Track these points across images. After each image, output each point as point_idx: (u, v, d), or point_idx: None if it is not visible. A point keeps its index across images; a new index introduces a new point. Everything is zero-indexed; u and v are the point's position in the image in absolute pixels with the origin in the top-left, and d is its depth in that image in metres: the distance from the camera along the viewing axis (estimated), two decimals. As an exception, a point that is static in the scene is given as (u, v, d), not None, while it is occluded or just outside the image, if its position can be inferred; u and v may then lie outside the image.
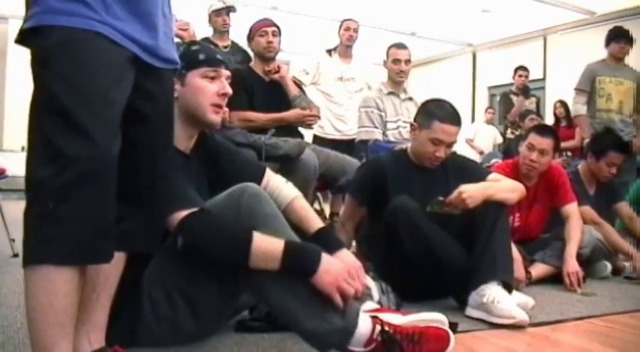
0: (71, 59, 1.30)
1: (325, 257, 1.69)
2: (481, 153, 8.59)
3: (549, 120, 8.13)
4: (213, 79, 1.96)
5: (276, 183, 2.12)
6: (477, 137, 9.35)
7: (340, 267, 1.70)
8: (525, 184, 3.16)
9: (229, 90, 1.98)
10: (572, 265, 3.13)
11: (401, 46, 4.09)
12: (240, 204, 1.74)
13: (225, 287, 1.80)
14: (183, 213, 1.70)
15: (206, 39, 4.65)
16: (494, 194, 2.55)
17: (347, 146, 4.53)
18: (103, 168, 1.30)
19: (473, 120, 10.88)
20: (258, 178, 2.09)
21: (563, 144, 6.62)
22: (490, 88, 10.93)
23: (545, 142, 3.29)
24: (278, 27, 3.59)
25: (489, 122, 9.76)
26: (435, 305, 2.46)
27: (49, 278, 1.27)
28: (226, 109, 2.34)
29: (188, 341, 1.87)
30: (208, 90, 1.94)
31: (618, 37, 5.04)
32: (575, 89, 5.15)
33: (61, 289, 1.28)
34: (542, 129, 3.48)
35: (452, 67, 12.04)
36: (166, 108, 1.58)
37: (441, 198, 2.51)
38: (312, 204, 3.75)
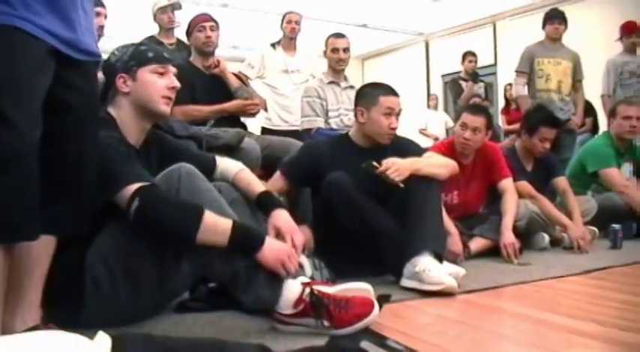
0: None
1: (268, 239, 1.87)
2: (436, 139, 8.75)
3: (502, 104, 8.33)
4: (162, 74, 2.10)
5: (223, 163, 2.31)
6: (428, 125, 9.53)
7: (281, 247, 1.89)
8: (462, 162, 3.31)
9: (178, 84, 2.14)
10: (508, 237, 3.26)
11: (339, 35, 4.20)
12: (180, 181, 1.90)
13: (165, 262, 1.90)
14: (135, 185, 1.80)
15: (151, 37, 4.70)
16: (422, 168, 2.66)
17: (295, 136, 4.60)
18: (23, 152, 1.39)
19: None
20: (211, 169, 2.27)
21: (513, 126, 6.81)
22: (444, 75, 11.09)
23: (478, 120, 3.43)
24: (216, 22, 3.66)
25: (434, 108, 10.01)
26: (372, 280, 2.55)
27: None
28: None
29: (129, 320, 1.93)
30: (159, 84, 2.08)
31: (552, 18, 5.18)
32: (516, 71, 5.28)
33: None
34: (474, 108, 3.63)
35: (405, 57, 12.18)
36: (90, 97, 1.68)
37: (374, 163, 2.62)
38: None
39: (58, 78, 1.52)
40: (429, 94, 10.86)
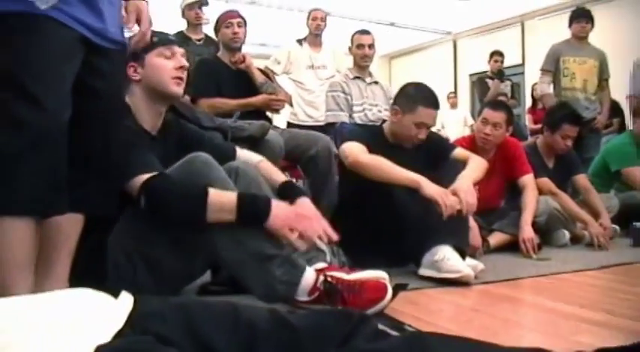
0: (25, 39, 1.49)
1: (274, 202, 1.89)
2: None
3: (529, 103, 8.30)
4: (169, 57, 2.15)
5: (244, 155, 2.36)
6: (445, 124, 9.57)
7: (289, 210, 1.92)
8: (483, 157, 3.33)
9: (186, 64, 2.18)
10: (527, 232, 3.29)
11: (364, 31, 4.28)
12: (192, 170, 1.93)
13: (182, 247, 1.95)
14: (145, 176, 1.87)
15: (180, 32, 4.80)
16: (475, 180, 2.75)
17: (320, 132, 4.67)
18: (54, 132, 1.50)
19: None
20: (231, 157, 2.30)
21: (539, 126, 6.79)
22: (471, 75, 11.07)
23: (498, 116, 3.47)
24: (243, 18, 3.74)
25: (453, 106, 10.07)
26: (391, 270, 2.59)
27: (5, 228, 1.45)
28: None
29: None
30: (167, 65, 2.13)
31: (579, 17, 5.17)
32: (541, 69, 5.29)
33: (18, 237, 1.48)
34: (494, 104, 3.67)
35: (433, 56, 12.19)
36: (116, 83, 1.78)
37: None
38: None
39: (87, 64, 1.62)
40: (456, 93, 10.86)
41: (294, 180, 3.39)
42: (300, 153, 3.47)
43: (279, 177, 2.28)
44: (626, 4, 8.31)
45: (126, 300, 1.12)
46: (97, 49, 1.65)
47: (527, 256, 3.22)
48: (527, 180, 3.54)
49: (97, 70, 1.67)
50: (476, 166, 2.86)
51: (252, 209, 1.87)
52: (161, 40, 2.16)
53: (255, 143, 3.15)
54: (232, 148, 2.39)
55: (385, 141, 2.98)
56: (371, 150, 2.78)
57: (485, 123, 3.48)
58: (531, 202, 3.43)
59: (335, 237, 2.00)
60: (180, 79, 2.16)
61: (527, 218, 3.35)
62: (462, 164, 2.86)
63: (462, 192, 2.57)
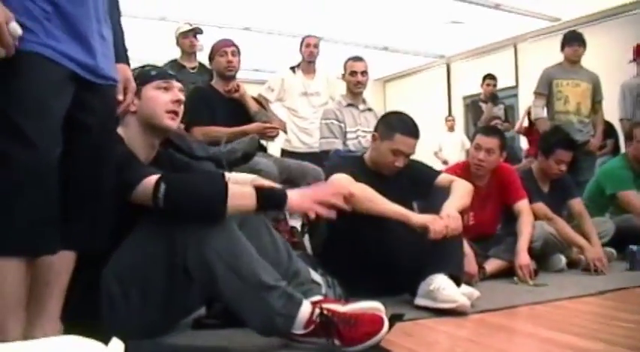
0: (14, 77, 1.49)
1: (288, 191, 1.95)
2: (444, 162, 8.76)
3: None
4: (166, 89, 2.16)
5: (234, 178, 2.35)
6: (443, 147, 9.60)
7: (302, 191, 1.98)
8: (477, 184, 3.34)
9: (182, 98, 2.19)
10: (523, 258, 3.28)
11: (357, 58, 4.30)
12: None
13: (177, 281, 1.93)
14: (154, 177, 1.85)
15: (174, 61, 4.82)
16: (460, 207, 2.74)
17: (314, 158, 4.67)
18: (43, 170, 1.48)
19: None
20: None
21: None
22: (465, 97, 11.10)
23: (491, 142, 3.47)
24: (237, 47, 3.76)
25: (451, 129, 10.08)
26: (386, 300, 2.58)
27: None
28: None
29: (144, 336, 1.97)
30: (162, 99, 2.14)
31: (571, 40, 5.21)
32: (534, 93, 5.33)
33: (9, 278, 1.46)
34: (488, 130, 3.68)
35: (427, 79, 12.22)
36: (107, 119, 1.77)
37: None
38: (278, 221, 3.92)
39: (77, 100, 1.62)
40: (450, 115, 10.89)
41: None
42: (294, 185, 3.46)
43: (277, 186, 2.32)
44: (619, 26, 8.36)
45: (116, 347, 1.10)
46: (88, 85, 1.65)
47: (523, 282, 3.20)
48: (522, 205, 3.52)
49: (87, 106, 1.66)
50: (460, 193, 2.85)
51: (272, 197, 1.92)
52: (159, 73, 2.18)
53: (251, 159, 3.14)
54: (220, 175, 2.38)
55: (367, 169, 2.98)
56: (356, 180, 2.78)
57: (479, 149, 3.48)
58: (527, 228, 3.42)
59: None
60: (176, 113, 2.16)
61: (522, 244, 3.34)
62: (447, 191, 2.86)
63: (445, 217, 2.59)
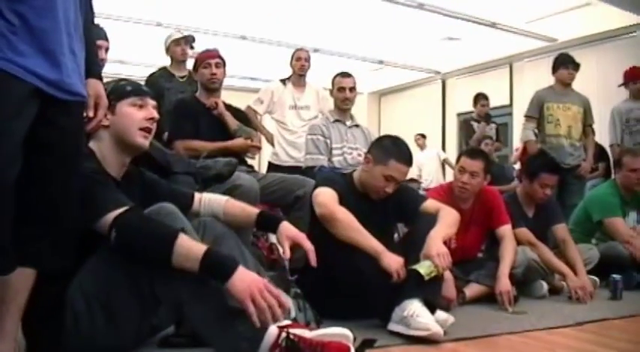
0: None
1: (242, 268, 1.81)
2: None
3: (517, 144, 8.28)
4: (141, 107, 2.14)
5: (207, 198, 2.36)
6: (422, 169, 9.74)
7: (255, 279, 1.81)
8: (461, 207, 3.32)
9: (156, 116, 2.18)
10: (504, 284, 3.23)
11: (345, 74, 4.27)
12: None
13: (143, 300, 1.91)
14: (116, 212, 1.85)
15: (163, 68, 4.78)
16: (445, 236, 2.74)
17: (301, 172, 4.64)
18: None
19: (443, 146, 11.08)
20: (188, 204, 2.31)
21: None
22: (459, 114, 11.07)
23: (475, 165, 3.44)
24: (222, 58, 3.71)
25: (420, 148, 10.16)
26: (360, 323, 2.55)
27: None
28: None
29: None
30: (136, 116, 2.13)
31: (566, 63, 5.21)
32: (525, 116, 5.33)
33: None
34: (472, 152, 3.64)
35: (422, 94, 12.21)
36: (73, 136, 1.72)
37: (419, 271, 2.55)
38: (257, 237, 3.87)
39: (42, 117, 1.57)
40: (444, 132, 10.89)
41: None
42: (280, 198, 3.44)
43: (252, 209, 2.32)
44: (615, 48, 8.38)
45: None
46: (54, 101, 1.61)
47: (503, 309, 3.15)
48: (505, 230, 3.49)
49: (52, 122, 1.62)
50: (447, 221, 2.82)
51: (217, 265, 1.81)
52: (135, 90, 2.17)
53: (223, 181, 3.08)
54: (189, 195, 2.38)
55: (355, 190, 2.96)
56: (341, 199, 2.76)
57: (463, 171, 3.45)
58: (509, 253, 3.38)
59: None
60: (148, 131, 2.15)
61: (504, 269, 3.29)
62: (433, 219, 2.82)
63: (434, 258, 2.56)
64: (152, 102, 2.20)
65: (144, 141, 2.14)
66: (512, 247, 3.44)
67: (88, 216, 1.84)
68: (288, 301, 2.30)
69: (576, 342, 2.55)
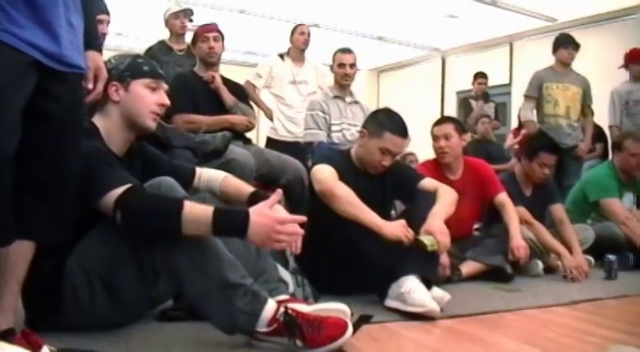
0: None
1: (252, 215, 1.82)
2: None
3: (516, 123, 8.28)
4: (154, 89, 2.14)
5: (206, 174, 2.36)
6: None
7: (267, 223, 1.82)
8: (450, 178, 3.40)
9: (167, 102, 2.18)
10: (519, 240, 3.33)
11: (346, 50, 4.26)
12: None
13: (143, 273, 1.92)
14: (119, 191, 1.84)
15: (162, 42, 4.75)
16: (446, 216, 2.73)
17: (300, 147, 4.63)
18: None
19: (441, 124, 11.02)
20: (189, 179, 2.31)
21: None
22: (459, 92, 11.04)
23: (444, 128, 3.52)
24: (220, 32, 3.69)
25: None
26: (358, 299, 2.57)
27: None
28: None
29: (107, 326, 1.99)
30: (149, 98, 2.13)
31: (566, 43, 5.19)
32: (524, 95, 5.32)
33: None
34: (439, 120, 3.71)
35: (421, 71, 12.12)
36: (72, 108, 1.70)
37: (423, 241, 2.58)
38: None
39: (40, 89, 1.56)
40: (442, 110, 10.83)
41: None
42: (272, 180, 3.43)
43: (247, 188, 2.30)
44: (614, 30, 8.32)
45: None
46: (52, 73, 1.59)
47: (498, 287, 3.17)
48: (503, 197, 3.54)
49: (50, 95, 1.60)
50: (446, 201, 2.83)
51: (229, 223, 1.83)
52: (151, 71, 2.16)
53: (220, 156, 3.08)
54: (191, 169, 2.38)
55: (353, 167, 2.96)
56: (340, 176, 2.76)
57: (436, 139, 3.52)
58: (513, 216, 3.45)
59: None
60: (158, 115, 2.16)
61: (514, 230, 3.37)
62: (432, 196, 2.83)
63: (437, 234, 2.58)
64: (165, 87, 2.20)
65: (152, 123, 2.14)
66: (514, 211, 3.51)
67: (91, 194, 1.84)
68: (287, 276, 2.34)
69: (570, 321, 2.58)
